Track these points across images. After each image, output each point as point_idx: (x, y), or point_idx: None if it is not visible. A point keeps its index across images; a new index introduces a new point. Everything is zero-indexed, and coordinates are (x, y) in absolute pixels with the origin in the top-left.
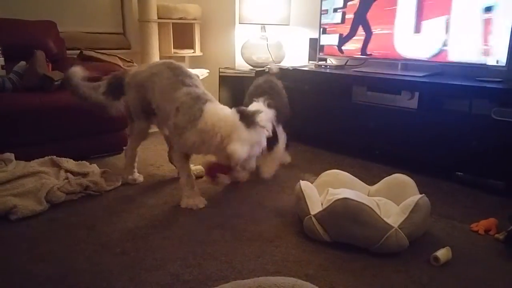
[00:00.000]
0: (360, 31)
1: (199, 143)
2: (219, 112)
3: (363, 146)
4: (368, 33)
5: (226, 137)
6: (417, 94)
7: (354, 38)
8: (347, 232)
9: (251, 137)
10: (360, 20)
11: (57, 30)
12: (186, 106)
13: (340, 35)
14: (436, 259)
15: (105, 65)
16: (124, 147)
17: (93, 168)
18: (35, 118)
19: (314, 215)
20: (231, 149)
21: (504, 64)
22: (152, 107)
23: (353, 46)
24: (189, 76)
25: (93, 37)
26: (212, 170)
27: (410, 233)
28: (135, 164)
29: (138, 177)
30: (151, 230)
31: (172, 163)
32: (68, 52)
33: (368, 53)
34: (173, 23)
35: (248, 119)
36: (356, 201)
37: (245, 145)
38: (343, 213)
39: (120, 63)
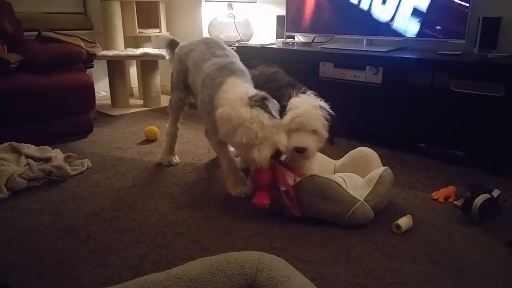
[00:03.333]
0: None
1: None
2: (236, 88)
3: None
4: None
5: (223, 106)
6: (381, 69)
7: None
8: (315, 207)
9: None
10: None
11: (12, 10)
12: (209, 78)
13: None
14: (398, 227)
15: (65, 46)
16: (90, 133)
17: (56, 153)
18: None
19: (284, 191)
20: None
21: (463, 38)
22: (183, 82)
23: (320, 22)
24: (222, 48)
25: (52, 17)
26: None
27: (375, 205)
28: (174, 146)
29: (174, 159)
30: (118, 213)
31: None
32: (26, 33)
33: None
34: (136, 1)
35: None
36: (323, 177)
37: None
38: (310, 189)
39: (81, 43)
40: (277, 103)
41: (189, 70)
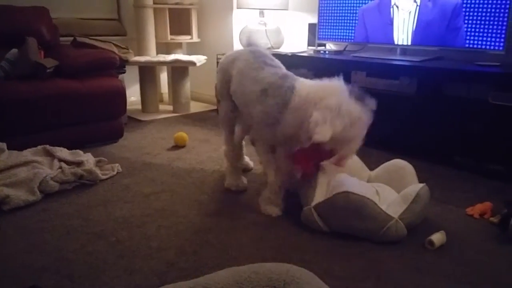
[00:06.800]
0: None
1: (297, 126)
2: (317, 82)
3: None
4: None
5: (326, 99)
6: (415, 79)
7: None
8: (347, 225)
9: (350, 109)
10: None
11: (49, 16)
12: (275, 87)
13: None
14: (431, 243)
15: (99, 51)
16: (121, 138)
17: (88, 157)
18: (28, 106)
19: (314, 207)
20: (312, 118)
21: (501, 48)
22: (227, 92)
23: (353, 30)
24: (271, 58)
25: (87, 23)
26: (303, 159)
27: (409, 223)
28: (237, 165)
29: (242, 182)
30: (146, 218)
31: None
32: (62, 39)
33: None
34: (169, 8)
35: (357, 93)
36: (358, 195)
37: (334, 116)
38: (344, 207)
39: (115, 49)
40: None
41: (232, 80)
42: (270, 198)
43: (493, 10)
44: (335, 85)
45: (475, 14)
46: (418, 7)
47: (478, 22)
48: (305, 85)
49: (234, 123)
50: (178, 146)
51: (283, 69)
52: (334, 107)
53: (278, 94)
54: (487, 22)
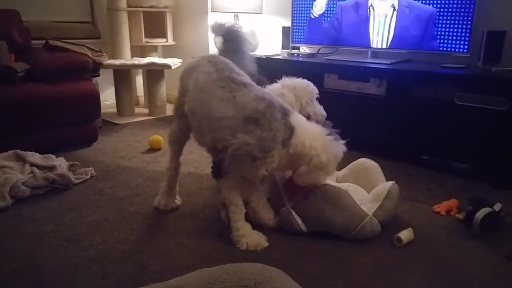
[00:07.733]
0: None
1: (284, 166)
2: (311, 129)
3: None
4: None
5: (320, 156)
6: (385, 81)
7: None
8: (324, 218)
9: (337, 154)
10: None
11: (20, 19)
12: (268, 118)
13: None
14: (399, 240)
15: (71, 55)
16: (95, 142)
17: (60, 162)
18: None
19: (291, 206)
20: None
21: (466, 51)
22: (183, 109)
23: (325, 33)
24: (236, 72)
25: (60, 26)
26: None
27: (383, 220)
28: (175, 185)
29: (173, 202)
30: (120, 222)
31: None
32: (34, 42)
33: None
34: (144, 11)
35: (332, 133)
36: (334, 186)
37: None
38: (322, 196)
39: (88, 53)
40: None
41: (188, 96)
42: (246, 233)
43: (458, 13)
44: (327, 139)
45: (442, 17)
46: (395, 12)
47: (444, 25)
48: (302, 129)
49: (184, 144)
50: (153, 149)
51: (258, 87)
52: (332, 158)
53: (274, 127)
54: (452, 26)
